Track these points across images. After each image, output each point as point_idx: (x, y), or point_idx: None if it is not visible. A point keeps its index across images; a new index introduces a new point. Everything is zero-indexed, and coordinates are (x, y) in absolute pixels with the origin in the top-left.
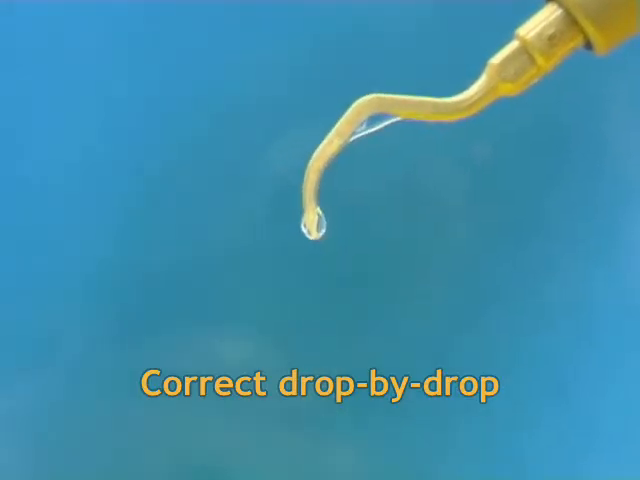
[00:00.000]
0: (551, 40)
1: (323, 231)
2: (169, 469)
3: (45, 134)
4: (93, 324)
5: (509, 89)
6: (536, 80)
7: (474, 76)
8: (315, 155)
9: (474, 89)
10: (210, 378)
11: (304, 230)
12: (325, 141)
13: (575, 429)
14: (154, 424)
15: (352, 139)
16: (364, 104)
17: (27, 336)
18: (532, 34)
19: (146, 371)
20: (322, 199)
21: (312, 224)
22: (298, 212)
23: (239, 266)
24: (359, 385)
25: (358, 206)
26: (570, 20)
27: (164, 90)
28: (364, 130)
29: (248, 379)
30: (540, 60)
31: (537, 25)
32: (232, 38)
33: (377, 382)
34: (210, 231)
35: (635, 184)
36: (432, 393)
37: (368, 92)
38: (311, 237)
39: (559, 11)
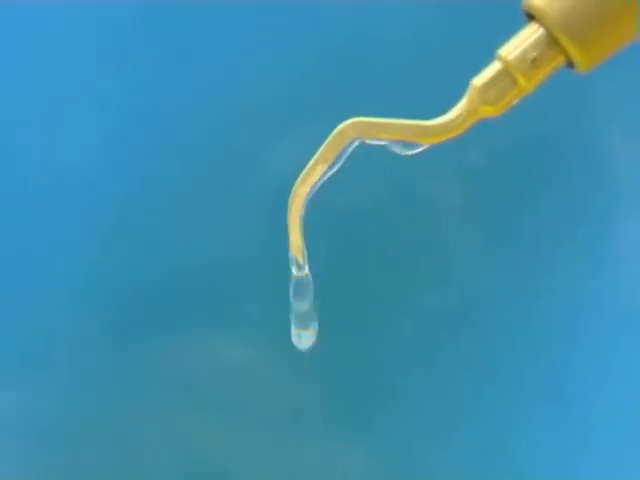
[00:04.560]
0: (534, 62)
1: (306, 268)
2: (169, 471)
3: (40, 136)
4: (93, 327)
5: (490, 111)
6: (516, 101)
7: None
8: (298, 180)
9: (455, 112)
10: (209, 380)
11: (292, 265)
12: (308, 166)
13: (571, 430)
14: (153, 426)
15: (336, 165)
16: (346, 128)
17: (26, 338)
18: (514, 55)
19: (145, 373)
20: (322, 204)
21: (298, 248)
22: None
23: (238, 268)
24: (359, 385)
25: (356, 211)
26: (551, 40)
27: (161, 92)
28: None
29: (248, 381)
30: (522, 81)
31: (519, 46)
32: (231, 40)
33: (377, 382)
34: (209, 233)
35: (628, 189)
36: (431, 393)
37: (368, 94)
38: (296, 269)
39: (541, 30)
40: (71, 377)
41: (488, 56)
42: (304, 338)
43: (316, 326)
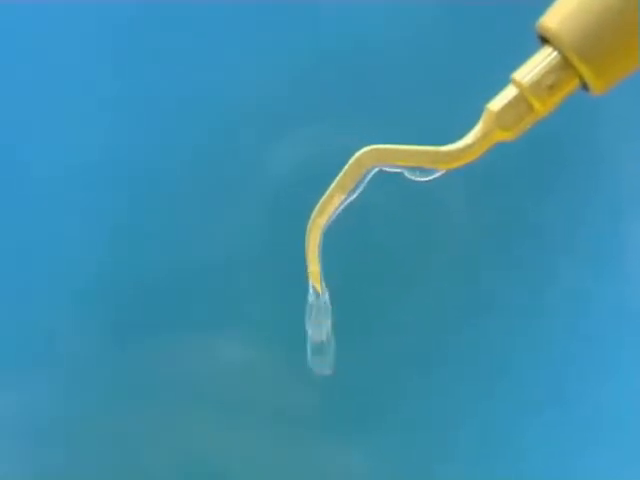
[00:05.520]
0: (550, 86)
1: (325, 297)
2: (169, 471)
3: (43, 136)
4: (93, 327)
5: (506, 136)
6: (532, 125)
7: (471, 84)
8: (316, 210)
9: (471, 137)
10: (209, 380)
11: (310, 290)
12: (326, 196)
13: (575, 432)
14: (153, 426)
15: (354, 194)
16: (364, 156)
17: (26, 338)
18: (530, 81)
19: (145, 373)
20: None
21: (316, 279)
22: (297, 215)
23: (238, 268)
24: (359, 386)
25: (359, 211)
26: (566, 63)
27: (160, 92)
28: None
29: (248, 381)
30: (537, 106)
31: (533, 70)
32: (231, 40)
33: (378, 382)
34: (209, 233)
35: (632, 190)
36: (432, 395)
37: (368, 94)
38: (314, 298)
39: (555, 54)
40: (71, 377)
41: (488, 56)
42: (322, 367)
43: (333, 354)
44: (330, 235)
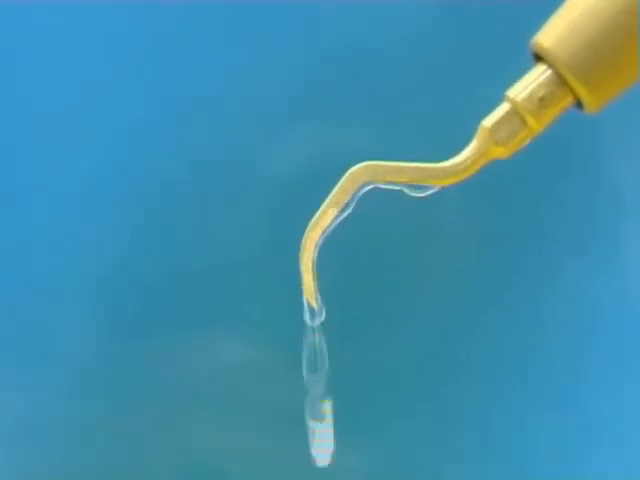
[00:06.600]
0: (542, 101)
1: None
2: (169, 471)
3: (45, 136)
4: (93, 327)
5: (501, 152)
6: (527, 141)
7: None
8: (311, 225)
9: (466, 153)
10: (210, 380)
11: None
12: (320, 210)
13: (579, 434)
14: (153, 426)
15: (348, 209)
16: (358, 172)
17: (26, 338)
18: (523, 96)
19: (145, 373)
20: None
21: (311, 293)
22: (297, 214)
23: (238, 268)
24: (360, 386)
25: (359, 213)
26: (560, 80)
27: (160, 92)
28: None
29: (248, 381)
30: (531, 122)
31: (527, 86)
32: (231, 40)
33: (379, 383)
34: (209, 233)
35: (634, 193)
36: (433, 395)
37: (368, 94)
38: (310, 316)
39: (549, 71)
40: (71, 377)
41: (488, 56)
42: (322, 456)
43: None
44: (332, 237)
